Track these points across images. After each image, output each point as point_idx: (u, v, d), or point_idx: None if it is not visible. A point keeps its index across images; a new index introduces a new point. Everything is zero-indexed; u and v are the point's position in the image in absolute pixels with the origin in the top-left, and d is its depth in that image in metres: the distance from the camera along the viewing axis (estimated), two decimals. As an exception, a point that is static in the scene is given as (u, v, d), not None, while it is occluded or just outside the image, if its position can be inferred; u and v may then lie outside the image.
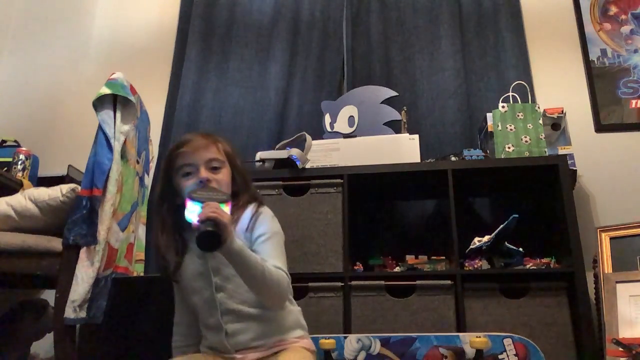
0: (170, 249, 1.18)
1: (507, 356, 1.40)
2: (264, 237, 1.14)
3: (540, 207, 1.94)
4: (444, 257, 1.78)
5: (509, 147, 1.85)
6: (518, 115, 1.89)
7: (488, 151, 1.95)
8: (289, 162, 1.82)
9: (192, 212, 1.03)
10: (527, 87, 2.03)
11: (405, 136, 1.94)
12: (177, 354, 1.20)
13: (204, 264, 1.16)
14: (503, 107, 1.91)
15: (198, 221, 0.99)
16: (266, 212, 1.20)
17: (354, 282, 1.70)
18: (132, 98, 1.52)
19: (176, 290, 1.25)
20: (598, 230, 1.87)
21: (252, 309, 1.13)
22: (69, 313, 1.32)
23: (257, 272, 1.05)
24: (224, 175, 1.19)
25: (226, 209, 1.04)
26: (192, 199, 1.04)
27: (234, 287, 1.13)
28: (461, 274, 1.66)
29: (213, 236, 0.98)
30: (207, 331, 1.17)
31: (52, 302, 1.43)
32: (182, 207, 1.07)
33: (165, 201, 1.21)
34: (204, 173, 1.15)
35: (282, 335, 1.14)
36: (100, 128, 1.45)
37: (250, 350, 1.12)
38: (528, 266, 1.69)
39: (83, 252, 1.37)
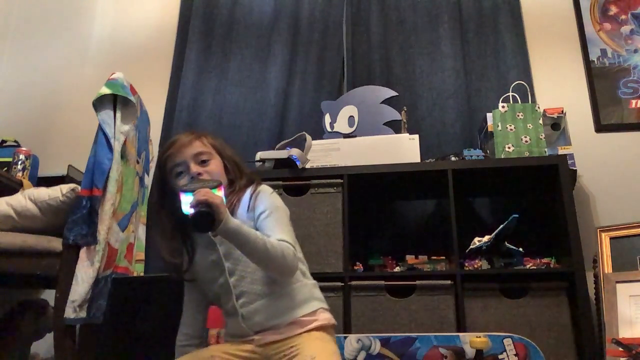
0: (174, 253, 1.20)
1: (507, 356, 1.40)
2: (265, 214, 1.15)
3: (540, 207, 1.94)
4: (444, 257, 1.78)
5: (509, 147, 1.85)
6: (518, 115, 1.89)
7: (488, 151, 1.95)
8: (289, 162, 1.82)
9: (186, 203, 1.06)
10: (527, 87, 2.04)
11: (405, 136, 1.94)
12: (179, 354, 1.21)
13: (214, 252, 1.18)
14: (503, 107, 1.91)
15: (191, 207, 1.02)
16: (265, 189, 1.21)
17: (354, 282, 1.70)
18: (132, 98, 1.52)
19: (186, 289, 1.26)
20: (598, 230, 1.87)
21: (263, 287, 1.14)
22: (69, 313, 1.32)
23: (258, 246, 1.06)
24: (214, 166, 1.21)
25: (218, 193, 1.06)
26: (184, 191, 1.07)
27: (243, 268, 1.15)
28: (461, 274, 1.66)
29: (206, 216, 1.00)
30: (227, 318, 1.19)
31: (52, 302, 1.43)
32: (180, 207, 1.09)
33: (163, 207, 1.23)
34: (194, 168, 1.18)
35: (296, 310, 1.13)
36: (100, 128, 1.45)
37: (268, 332, 1.12)
38: (528, 266, 1.69)
39: (83, 252, 1.37)
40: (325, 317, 1.16)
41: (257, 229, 1.12)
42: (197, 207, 1.01)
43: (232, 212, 1.12)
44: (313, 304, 1.16)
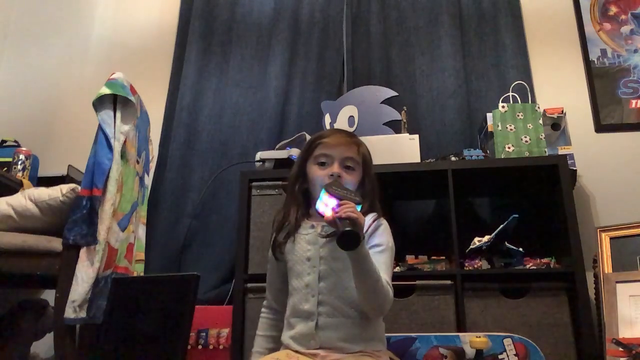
0: (292, 225, 1.21)
1: (507, 356, 1.40)
2: (380, 248, 1.15)
3: (540, 207, 1.94)
4: (444, 257, 1.78)
5: (509, 147, 1.85)
6: (518, 115, 1.89)
7: (488, 151, 1.95)
8: (289, 162, 1.82)
9: (326, 204, 1.06)
10: (527, 87, 2.04)
11: (405, 136, 1.94)
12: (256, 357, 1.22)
13: (314, 250, 1.17)
14: (503, 107, 1.91)
15: (337, 217, 1.01)
16: (386, 225, 1.22)
17: (354, 282, 1.70)
18: (132, 98, 1.53)
19: (270, 264, 1.27)
20: (598, 230, 1.87)
21: (349, 309, 1.13)
22: (69, 313, 1.32)
23: (372, 279, 1.06)
24: (354, 177, 1.21)
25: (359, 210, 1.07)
26: (330, 192, 1.06)
27: (337, 280, 1.14)
28: (461, 274, 1.66)
29: (355, 237, 1.00)
30: (297, 319, 1.16)
31: (52, 302, 1.43)
32: (309, 193, 1.15)
33: (297, 182, 1.24)
34: (336, 168, 1.18)
35: (368, 342, 1.13)
36: (100, 128, 1.45)
37: (334, 351, 1.11)
38: (528, 266, 1.69)
39: (83, 252, 1.37)
40: (387, 359, 1.17)
41: None
42: (343, 222, 1.00)
43: None
44: (380, 345, 1.17)
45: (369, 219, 1.19)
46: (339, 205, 1.03)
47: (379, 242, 1.16)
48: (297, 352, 1.12)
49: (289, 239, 1.21)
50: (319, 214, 1.09)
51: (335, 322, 1.12)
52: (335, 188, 1.08)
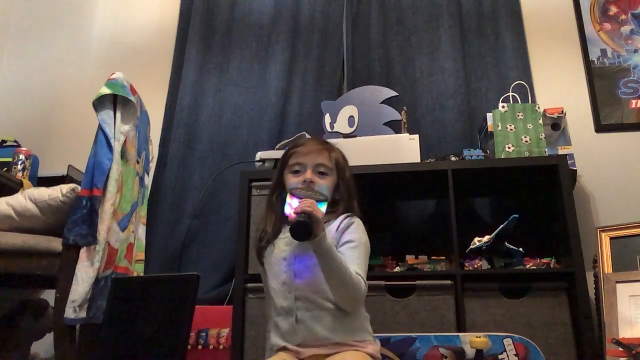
0: (270, 233, 1.28)
1: (507, 356, 1.40)
2: (353, 244, 1.21)
3: (540, 207, 1.94)
4: (444, 257, 1.78)
5: (509, 147, 1.85)
6: (518, 115, 1.89)
7: (488, 151, 1.95)
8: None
9: (291, 206, 1.15)
10: (527, 87, 2.04)
11: (405, 136, 1.93)
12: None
13: (289, 250, 1.23)
14: (503, 107, 1.91)
15: (294, 213, 1.10)
16: (360, 223, 1.27)
17: (354, 282, 1.70)
18: (132, 98, 1.53)
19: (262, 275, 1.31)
20: (598, 230, 1.87)
21: (326, 302, 1.17)
22: (69, 313, 1.32)
23: (340, 271, 1.12)
24: (328, 182, 1.27)
25: (322, 208, 1.14)
26: (293, 194, 1.16)
27: (312, 276, 1.19)
28: (461, 274, 1.66)
29: (304, 226, 1.08)
30: (278, 317, 1.20)
31: (52, 302, 1.43)
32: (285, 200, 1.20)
33: (275, 192, 1.33)
34: (309, 175, 1.25)
35: (349, 334, 1.17)
36: (100, 128, 1.45)
37: (318, 343, 1.15)
38: (528, 266, 1.69)
39: (83, 252, 1.37)
40: (374, 349, 1.19)
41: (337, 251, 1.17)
42: (299, 215, 1.08)
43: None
44: (365, 335, 1.20)
45: (342, 218, 1.26)
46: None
47: (351, 238, 1.22)
48: (284, 348, 1.17)
49: (269, 245, 1.27)
50: (287, 216, 1.16)
51: (314, 314, 1.17)
52: (298, 190, 1.17)
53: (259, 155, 1.91)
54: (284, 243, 1.25)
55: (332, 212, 1.26)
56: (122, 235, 1.53)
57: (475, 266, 1.70)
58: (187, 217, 2.28)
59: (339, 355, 1.12)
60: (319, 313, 1.17)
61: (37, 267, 1.38)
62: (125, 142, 1.50)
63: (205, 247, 2.24)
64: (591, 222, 2.07)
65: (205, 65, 2.53)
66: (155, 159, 2.30)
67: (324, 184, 1.26)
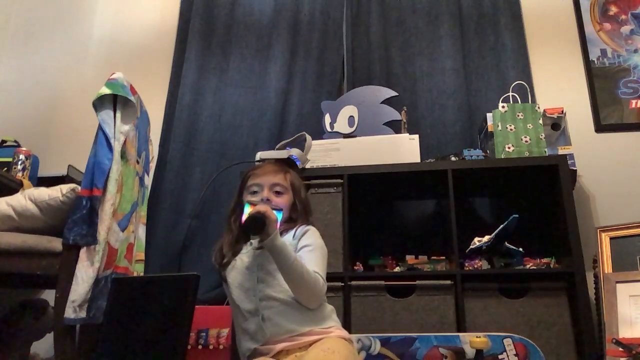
0: (228, 251, 1.34)
1: (507, 356, 1.40)
2: (309, 248, 1.28)
3: (540, 207, 1.94)
4: (444, 257, 1.78)
5: (509, 147, 1.85)
6: (518, 115, 1.89)
7: (488, 151, 1.95)
8: (289, 162, 1.82)
9: (246, 214, 1.22)
10: (527, 87, 2.04)
11: (405, 136, 1.94)
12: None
13: (251, 259, 1.29)
14: (503, 107, 1.91)
15: (248, 213, 1.19)
16: (315, 230, 1.35)
17: (353, 282, 1.70)
18: (132, 98, 1.52)
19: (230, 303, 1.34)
20: (598, 230, 1.87)
21: (288, 298, 1.22)
22: (69, 313, 1.32)
23: (296, 268, 1.18)
24: (284, 200, 1.36)
25: (277, 214, 1.23)
26: (251, 203, 1.27)
27: (274, 280, 1.24)
28: (461, 274, 1.66)
29: (258, 220, 1.15)
30: (245, 322, 1.24)
31: (52, 302, 1.43)
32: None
33: (233, 214, 1.40)
34: (266, 193, 1.34)
35: (315, 323, 1.21)
36: (100, 128, 1.45)
37: (285, 339, 1.18)
38: (528, 266, 1.69)
39: (83, 252, 1.37)
40: (341, 333, 1.23)
41: None
42: (252, 214, 1.17)
43: (280, 234, 1.23)
44: (330, 322, 1.25)
45: (298, 227, 1.34)
46: None
47: (308, 242, 1.29)
48: (255, 350, 1.20)
49: (231, 261, 1.32)
50: (242, 224, 1.23)
51: (279, 310, 1.21)
52: (254, 201, 1.28)
53: (259, 155, 1.91)
54: (247, 256, 1.31)
55: (290, 223, 1.34)
56: (122, 235, 1.53)
57: (475, 266, 1.70)
58: (187, 217, 2.28)
59: (320, 343, 1.15)
60: (284, 308, 1.21)
61: (37, 267, 1.38)
62: (125, 142, 1.50)
63: (205, 247, 2.24)
64: (591, 222, 2.07)
65: (205, 65, 2.53)
66: (155, 159, 2.30)
67: (281, 202, 1.34)
